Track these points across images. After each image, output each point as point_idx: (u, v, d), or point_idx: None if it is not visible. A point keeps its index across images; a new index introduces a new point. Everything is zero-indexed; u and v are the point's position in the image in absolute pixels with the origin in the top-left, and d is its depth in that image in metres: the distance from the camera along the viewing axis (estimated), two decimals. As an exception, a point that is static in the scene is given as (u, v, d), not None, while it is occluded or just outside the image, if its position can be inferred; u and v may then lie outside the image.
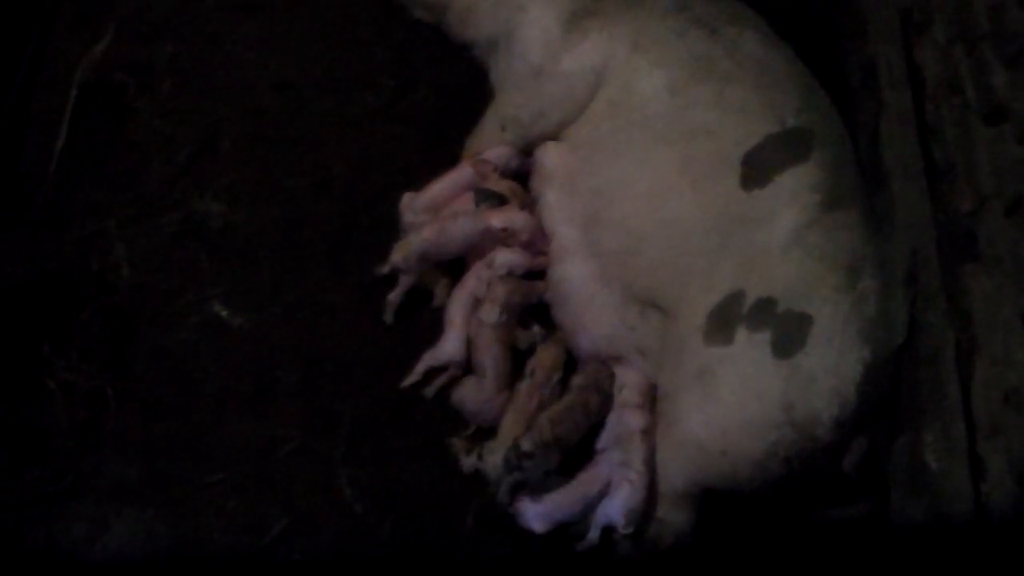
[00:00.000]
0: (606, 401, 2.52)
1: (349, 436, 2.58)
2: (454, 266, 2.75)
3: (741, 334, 2.32)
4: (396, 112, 3.06)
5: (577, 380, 2.56)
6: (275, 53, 3.15)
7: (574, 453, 2.47)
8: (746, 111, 2.50)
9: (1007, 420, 2.06)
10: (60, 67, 3.09)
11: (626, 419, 2.46)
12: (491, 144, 2.84)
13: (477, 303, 2.63)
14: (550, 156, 2.77)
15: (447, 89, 3.07)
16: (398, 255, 2.68)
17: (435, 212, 2.77)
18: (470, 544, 2.46)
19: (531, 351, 2.63)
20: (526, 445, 2.39)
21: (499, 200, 2.74)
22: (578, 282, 2.59)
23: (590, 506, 2.40)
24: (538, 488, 2.42)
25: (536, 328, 2.67)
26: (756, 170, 2.44)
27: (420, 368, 2.63)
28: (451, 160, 2.88)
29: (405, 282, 2.69)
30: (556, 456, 2.43)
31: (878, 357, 2.30)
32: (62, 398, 2.59)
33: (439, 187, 2.80)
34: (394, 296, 2.70)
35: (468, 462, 2.49)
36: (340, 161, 2.97)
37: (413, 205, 2.78)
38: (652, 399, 2.49)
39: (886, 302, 2.35)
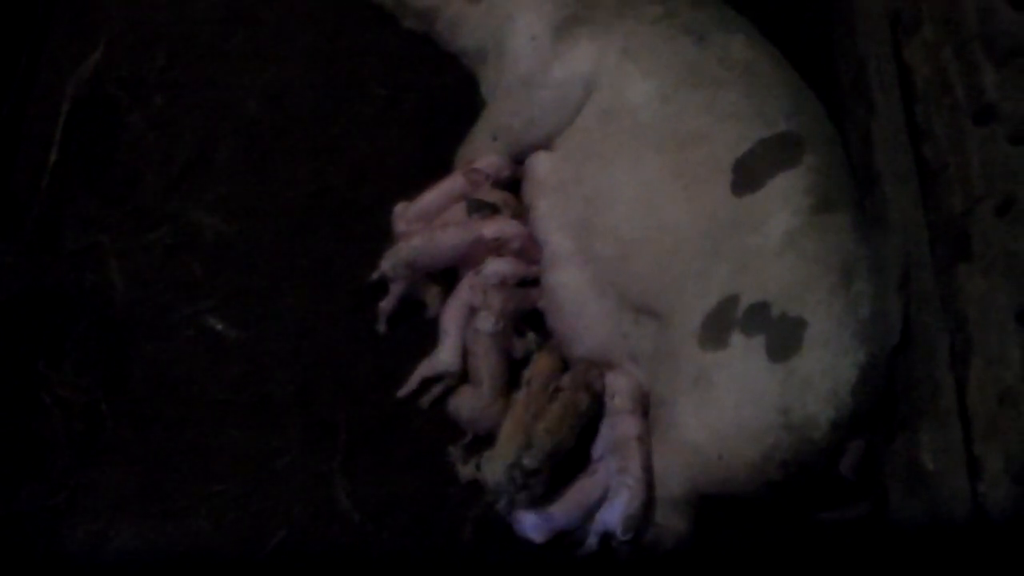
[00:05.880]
0: (595, 399, 2.52)
1: (346, 446, 2.57)
2: (447, 276, 2.75)
3: (736, 339, 2.32)
4: (388, 122, 3.05)
5: (565, 382, 2.55)
6: (267, 64, 3.15)
7: (570, 461, 2.47)
8: (737, 116, 2.51)
9: (1003, 420, 2.05)
10: (52, 81, 3.09)
11: (621, 426, 2.46)
12: (483, 153, 2.83)
13: (472, 312, 2.63)
14: (542, 164, 2.77)
15: (438, 98, 3.07)
16: (387, 262, 2.68)
17: (427, 221, 2.77)
18: (468, 553, 2.45)
19: (527, 359, 2.63)
20: (530, 463, 2.38)
21: (491, 210, 2.74)
22: (572, 290, 2.59)
23: (588, 514, 2.40)
24: (536, 498, 2.42)
25: (532, 336, 2.67)
26: (748, 175, 2.44)
27: (416, 378, 2.62)
28: (443, 169, 2.88)
29: (395, 290, 2.69)
30: (555, 463, 2.43)
31: (873, 359, 2.30)
32: (58, 412, 2.59)
33: (431, 197, 2.80)
34: (385, 304, 2.70)
35: (465, 471, 2.49)
36: (333, 171, 2.97)
37: (405, 215, 2.78)
38: (645, 405, 2.49)
39: (880, 304, 2.35)
